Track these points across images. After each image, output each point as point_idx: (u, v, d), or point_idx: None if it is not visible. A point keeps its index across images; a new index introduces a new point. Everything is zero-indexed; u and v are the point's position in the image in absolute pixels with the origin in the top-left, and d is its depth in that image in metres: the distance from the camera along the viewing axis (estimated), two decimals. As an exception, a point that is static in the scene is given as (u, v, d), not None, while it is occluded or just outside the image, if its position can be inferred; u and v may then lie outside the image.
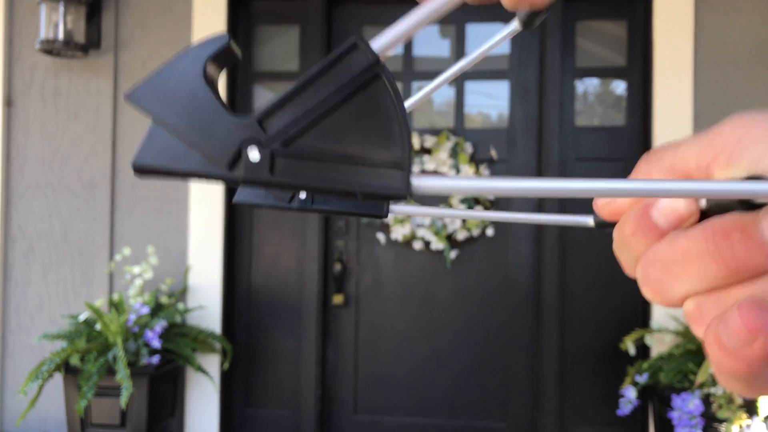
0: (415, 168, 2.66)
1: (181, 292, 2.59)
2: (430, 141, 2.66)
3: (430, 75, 2.74)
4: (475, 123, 2.75)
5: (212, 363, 2.61)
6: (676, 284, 0.22)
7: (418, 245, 2.65)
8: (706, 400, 2.05)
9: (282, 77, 2.83)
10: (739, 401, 2.02)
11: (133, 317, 2.29)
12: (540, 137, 2.65)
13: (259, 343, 2.76)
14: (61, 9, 2.57)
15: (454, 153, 2.64)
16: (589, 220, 0.25)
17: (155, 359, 2.29)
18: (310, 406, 2.68)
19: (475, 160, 2.67)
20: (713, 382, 2.03)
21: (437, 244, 2.63)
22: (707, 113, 2.45)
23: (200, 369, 2.42)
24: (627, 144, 2.63)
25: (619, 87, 2.68)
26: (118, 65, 2.71)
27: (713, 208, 0.22)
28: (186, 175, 0.20)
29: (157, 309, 2.45)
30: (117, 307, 2.42)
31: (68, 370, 2.29)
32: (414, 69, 2.75)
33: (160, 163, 0.20)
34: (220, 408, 2.65)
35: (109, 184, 2.69)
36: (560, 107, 2.62)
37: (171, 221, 2.67)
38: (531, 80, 2.68)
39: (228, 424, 2.72)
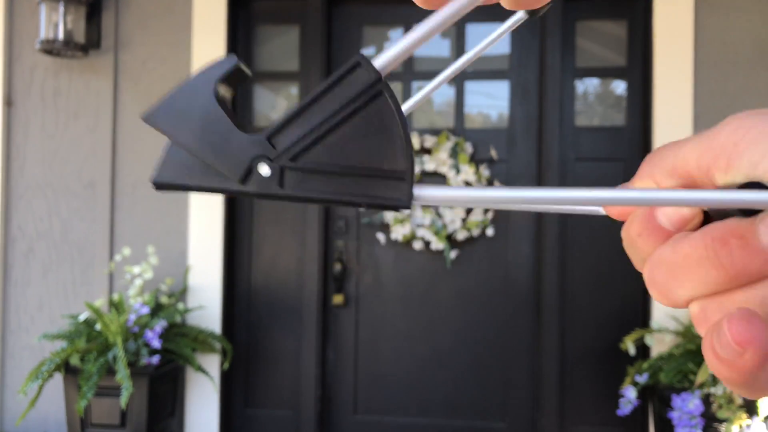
0: (417, 169, 2.66)
1: (181, 292, 2.59)
2: (430, 141, 2.66)
3: (430, 75, 2.74)
4: (475, 123, 2.75)
5: (212, 363, 2.61)
6: (680, 288, 0.22)
7: (418, 245, 2.65)
8: (706, 400, 2.05)
9: (282, 77, 2.83)
10: (739, 401, 2.02)
11: (133, 317, 2.29)
12: (540, 137, 2.65)
13: (259, 343, 2.76)
14: (61, 9, 2.57)
15: (454, 153, 2.64)
16: (600, 208, 0.26)
17: (155, 359, 2.29)
18: (310, 406, 2.68)
19: (475, 160, 2.67)
20: (713, 382, 2.03)
21: (437, 244, 2.63)
22: (707, 113, 2.45)
23: (200, 369, 2.42)
24: (627, 144, 2.63)
25: (619, 87, 2.68)
26: (118, 65, 2.71)
27: (715, 211, 0.22)
28: (202, 190, 0.22)
29: (157, 309, 2.45)
30: (117, 307, 2.42)
31: (68, 370, 2.29)
32: (414, 69, 2.75)
33: (178, 179, 0.22)
34: (220, 408, 2.65)
35: (109, 184, 2.69)
36: (560, 107, 2.62)
37: (171, 221, 2.67)
38: (531, 80, 2.68)
39: (228, 424, 2.72)
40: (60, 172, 2.73)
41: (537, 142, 2.66)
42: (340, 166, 0.21)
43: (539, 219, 2.64)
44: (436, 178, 2.68)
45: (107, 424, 2.30)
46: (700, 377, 2.00)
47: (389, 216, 2.65)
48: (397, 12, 2.78)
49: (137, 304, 2.34)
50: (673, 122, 2.46)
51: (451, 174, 2.63)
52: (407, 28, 2.75)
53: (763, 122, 0.20)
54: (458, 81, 2.73)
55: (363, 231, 2.73)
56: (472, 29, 2.74)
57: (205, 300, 2.62)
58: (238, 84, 0.23)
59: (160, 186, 0.22)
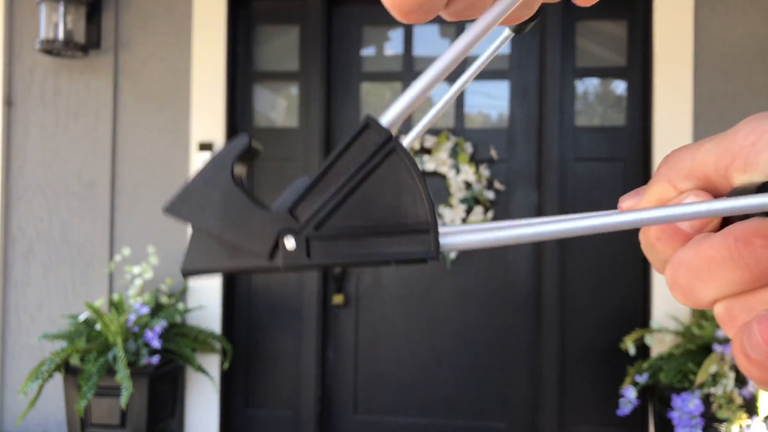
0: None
1: (181, 292, 2.59)
2: (430, 141, 2.66)
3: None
4: (475, 123, 2.75)
5: (212, 363, 2.61)
6: (704, 290, 0.22)
7: (418, 245, 2.65)
8: (706, 400, 2.05)
9: (282, 77, 2.83)
10: (739, 401, 2.02)
11: (133, 317, 2.29)
12: (540, 137, 2.65)
13: (259, 343, 2.76)
14: (61, 9, 2.57)
15: (454, 153, 2.64)
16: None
17: (155, 359, 2.29)
18: (310, 406, 2.68)
19: (475, 160, 2.67)
20: (713, 382, 2.03)
21: (437, 244, 2.62)
22: (707, 113, 2.45)
23: (200, 369, 2.42)
24: (627, 144, 2.63)
25: (619, 87, 2.68)
26: (118, 65, 2.71)
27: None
28: (231, 271, 0.22)
29: (157, 309, 2.45)
30: (117, 307, 2.42)
31: (68, 370, 2.29)
32: (414, 69, 2.75)
33: (206, 265, 0.22)
34: (220, 408, 2.65)
35: (109, 184, 2.69)
36: (560, 107, 2.62)
37: (171, 221, 2.67)
38: (531, 80, 2.68)
39: (228, 424, 2.72)
40: (60, 172, 2.73)
41: (537, 142, 2.66)
42: (364, 228, 0.22)
43: (539, 219, 2.63)
44: (436, 177, 2.68)
45: (107, 424, 2.30)
46: (700, 377, 2.00)
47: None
48: (397, 12, 2.77)
49: (137, 304, 2.34)
50: (673, 122, 2.46)
51: (451, 174, 2.63)
52: (407, 28, 2.75)
53: None
54: (459, 75, 2.73)
55: (363, 231, 2.73)
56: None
57: (205, 300, 2.62)
58: (252, 160, 0.23)
59: (188, 273, 0.22)
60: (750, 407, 2.03)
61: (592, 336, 2.62)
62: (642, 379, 2.19)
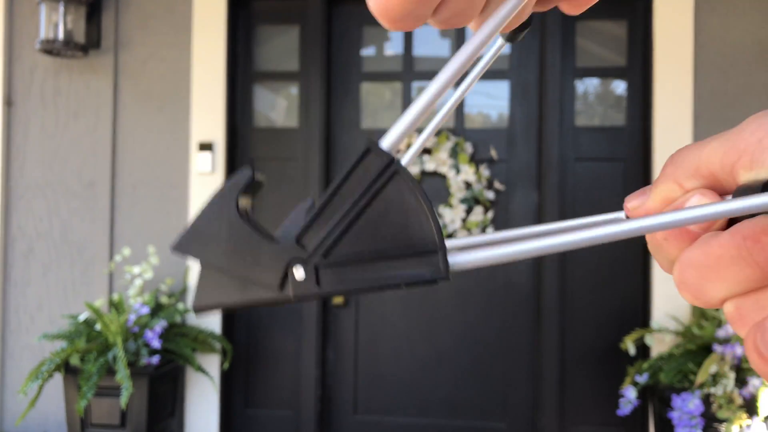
0: (417, 169, 2.66)
1: (181, 292, 2.59)
2: (430, 141, 2.66)
3: (430, 75, 2.74)
4: (475, 123, 2.75)
5: (212, 363, 2.61)
6: (714, 289, 0.22)
7: (418, 245, 2.65)
8: (706, 400, 2.05)
9: (282, 77, 2.83)
10: (739, 401, 2.02)
11: (133, 317, 2.29)
12: (540, 137, 2.65)
13: (259, 343, 2.76)
14: (61, 9, 2.57)
15: (454, 153, 2.64)
16: (621, 215, 0.26)
17: (155, 359, 2.29)
18: (310, 406, 2.68)
19: (475, 159, 2.67)
20: (713, 382, 2.03)
21: (437, 244, 2.62)
22: (707, 113, 2.45)
23: (200, 369, 2.42)
24: (627, 144, 2.63)
25: (619, 87, 2.68)
26: (118, 65, 2.71)
27: None
28: (243, 305, 0.22)
29: (157, 309, 2.45)
30: (117, 307, 2.42)
31: (68, 370, 2.29)
32: (414, 69, 2.75)
33: (217, 300, 0.22)
34: (220, 408, 2.65)
35: (109, 184, 2.69)
36: (560, 107, 2.62)
37: (171, 221, 2.67)
38: (531, 80, 2.68)
39: (228, 424, 2.72)
40: (60, 172, 2.73)
41: (537, 142, 2.66)
42: (372, 252, 0.22)
43: (539, 219, 2.64)
44: (436, 177, 2.68)
45: (107, 424, 2.30)
46: (700, 377, 2.00)
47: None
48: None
49: (137, 304, 2.34)
50: (673, 122, 2.46)
51: (451, 174, 2.63)
52: (407, 28, 2.74)
53: None
54: (458, 81, 2.73)
55: (363, 231, 2.73)
56: (472, 30, 2.74)
57: (205, 300, 2.62)
58: (256, 192, 0.23)
59: (200, 310, 0.22)
60: (750, 407, 2.03)
61: (592, 336, 2.62)
62: (642, 379, 2.19)
